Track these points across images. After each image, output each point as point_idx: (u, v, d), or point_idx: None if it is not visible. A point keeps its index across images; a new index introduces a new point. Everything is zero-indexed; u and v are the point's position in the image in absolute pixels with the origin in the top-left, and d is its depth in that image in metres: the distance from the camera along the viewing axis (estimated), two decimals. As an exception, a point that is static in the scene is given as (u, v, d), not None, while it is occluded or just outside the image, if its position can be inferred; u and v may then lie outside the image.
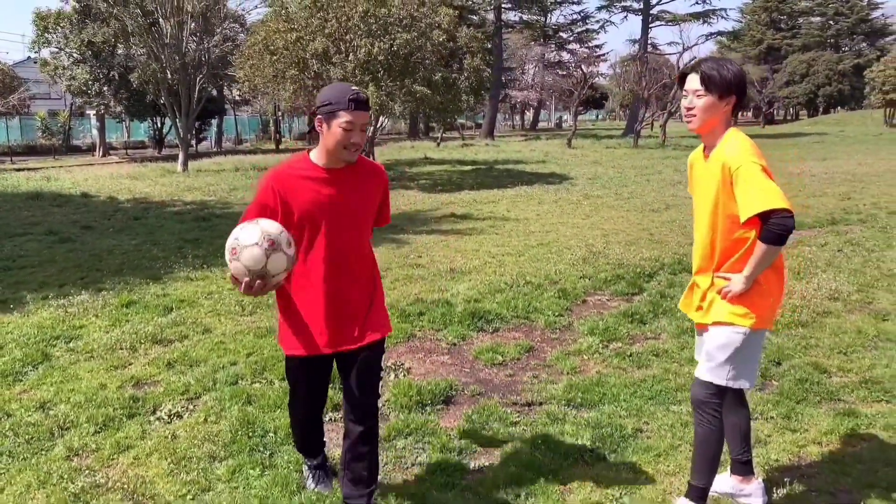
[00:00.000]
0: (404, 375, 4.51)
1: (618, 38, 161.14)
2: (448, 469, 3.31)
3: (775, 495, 3.05)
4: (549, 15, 54.82)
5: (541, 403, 4.08)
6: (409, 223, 10.68)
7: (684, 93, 2.79)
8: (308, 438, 3.14)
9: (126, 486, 3.20)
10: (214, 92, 35.85)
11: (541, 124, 69.53)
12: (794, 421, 3.76)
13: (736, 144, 2.74)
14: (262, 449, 3.50)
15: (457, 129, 43.23)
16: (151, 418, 3.92)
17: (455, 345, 5.11)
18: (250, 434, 3.63)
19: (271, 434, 3.64)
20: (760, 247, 2.66)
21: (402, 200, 13.75)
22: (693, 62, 2.85)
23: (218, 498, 3.10)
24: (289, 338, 2.83)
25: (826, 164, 19.82)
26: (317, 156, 2.73)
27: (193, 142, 34.20)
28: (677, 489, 3.09)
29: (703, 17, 47.75)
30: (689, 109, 2.78)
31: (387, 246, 8.73)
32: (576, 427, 3.69)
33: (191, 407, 4.05)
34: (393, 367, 4.63)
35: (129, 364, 4.73)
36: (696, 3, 48.35)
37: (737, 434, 2.96)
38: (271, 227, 2.53)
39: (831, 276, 6.68)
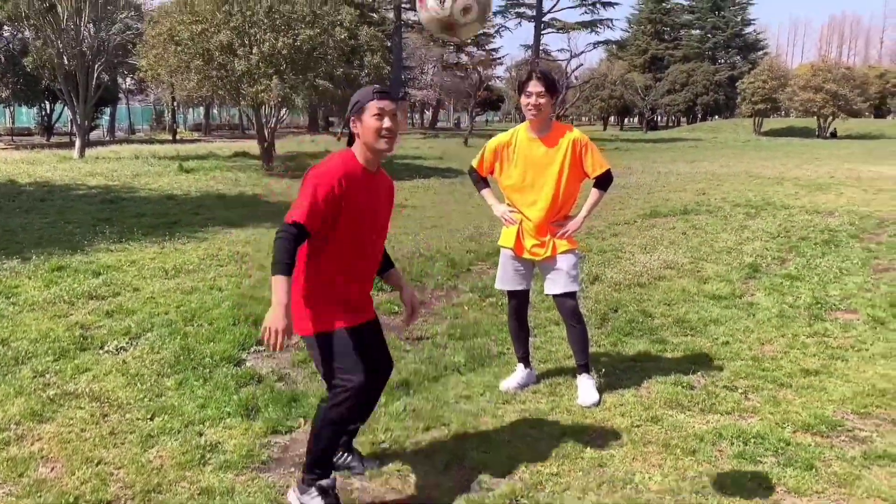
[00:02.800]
0: (315, 320, 5.39)
1: (513, 42, 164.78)
2: (354, 378, 4.25)
3: (600, 384, 4.14)
4: (448, 16, 56.14)
5: (428, 338, 5.08)
6: (312, 208, 11.46)
7: (528, 93, 3.85)
8: (359, 413, 3.10)
9: (92, 393, 3.97)
10: (107, 79, 35.09)
11: (440, 124, 70.95)
12: (619, 347, 4.93)
13: (573, 129, 4.01)
14: (202, 368, 4.33)
15: (356, 124, 43.84)
16: (101, 351, 4.65)
17: (357, 300, 6.02)
18: (191, 358, 4.45)
19: (208, 359, 4.46)
20: (600, 193, 4.11)
21: (304, 189, 14.48)
22: (530, 70, 3.95)
23: (170, 400, 3.92)
24: (327, 314, 2.86)
25: (693, 165, 21.85)
26: (358, 155, 2.90)
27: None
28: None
29: (590, 26, 50.31)
30: (535, 105, 3.86)
31: (293, 226, 9.51)
32: (454, 351, 4.72)
33: (134, 343, 4.81)
34: (305, 315, 5.50)
35: (71, 314, 5.40)
36: (585, 12, 50.84)
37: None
38: None
39: (672, 251, 8.02)
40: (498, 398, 4.05)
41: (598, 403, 3.97)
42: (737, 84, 56.84)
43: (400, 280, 3.25)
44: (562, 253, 4.04)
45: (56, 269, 6.65)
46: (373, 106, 2.82)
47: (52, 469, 3.20)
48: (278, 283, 2.62)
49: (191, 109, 54.43)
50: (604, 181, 4.06)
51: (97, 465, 3.23)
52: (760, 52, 70.71)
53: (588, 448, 3.46)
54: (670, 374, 4.37)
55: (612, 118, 70.12)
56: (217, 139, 39.86)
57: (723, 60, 70.03)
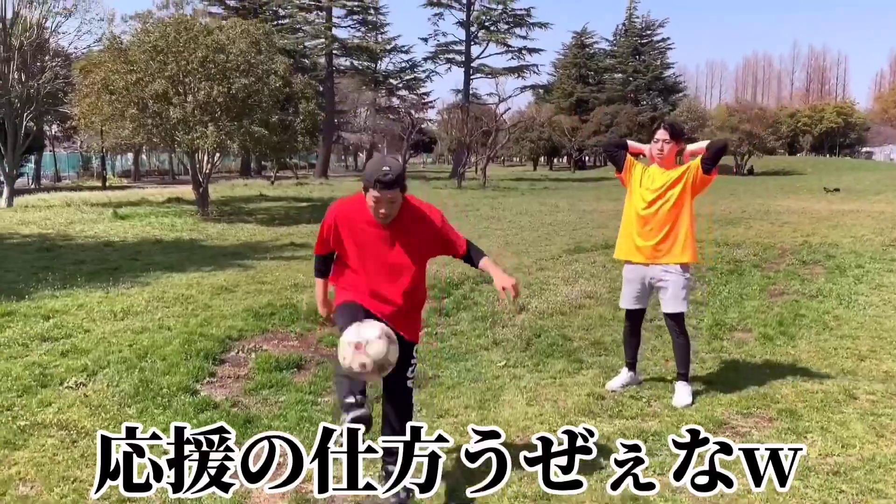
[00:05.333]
0: (263, 352, 5.80)
1: (445, 86, 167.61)
2: (303, 402, 4.70)
3: (527, 399, 4.67)
4: (379, 62, 57.39)
5: (368, 365, 5.54)
6: (251, 252, 11.82)
7: (656, 139, 4.77)
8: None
9: (59, 423, 4.30)
10: (35, 128, 34.59)
11: (373, 166, 71.54)
12: (541, 366, 5.51)
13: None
14: (161, 397, 4.70)
15: (291, 168, 44.17)
16: (61, 387, 4.95)
17: (301, 335, 6.46)
18: (150, 389, 4.82)
19: (166, 389, 4.83)
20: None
21: (241, 233, 14.82)
22: (660, 121, 4.81)
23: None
24: (339, 297, 3.49)
25: (616, 202, 22.88)
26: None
27: (10, 178, 32.65)
28: (449, 406, 4.67)
29: (517, 71, 52.26)
30: (660, 150, 4.75)
31: (234, 270, 9.88)
32: (393, 375, 5.19)
33: (92, 378, 5.13)
34: (253, 349, 5.91)
35: (26, 356, 5.66)
36: (512, 58, 52.72)
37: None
38: (382, 324, 3.13)
39: (592, 282, 8.71)
40: (433, 414, 4.55)
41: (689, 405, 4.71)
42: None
43: (489, 268, 3.57)
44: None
45: (4, 314, 6.86)
46: (372, 193, 3.24)
47: (32, 488, 3.54)
48: (316, 284, 3.72)
49: (119, 156, 53.78)
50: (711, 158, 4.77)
51: (73, 482, 3.59)
52: (680, 94, 74.10)
53: (511, 449, 3.98)
54: (584, 388, 4.96)
55: (541, 159, 72.15)
56: (147, 185, 39.55)
57: (645, 102, 73.07)
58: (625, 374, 5.09)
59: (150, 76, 16.52)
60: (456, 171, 41.27)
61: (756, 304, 7.57)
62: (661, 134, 4.80)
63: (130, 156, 49.97)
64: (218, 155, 20.78)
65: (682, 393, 4.76)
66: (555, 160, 75.12)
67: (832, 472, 3.72)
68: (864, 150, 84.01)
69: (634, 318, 5.11)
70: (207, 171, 19.44)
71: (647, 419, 4.47)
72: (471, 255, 3.60)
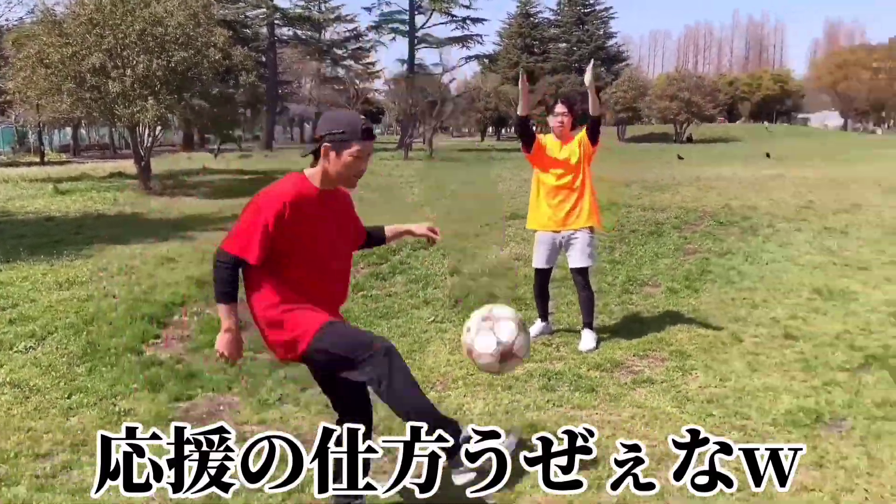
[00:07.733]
0: (206, 315, 6.15)
1: (391, 56, 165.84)
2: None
3: (444, 354, 5.15)
4: (323, 32, 56.76)
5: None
6: (196, 224, 12.03)
7: (556, 113, 5.21)
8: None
9: (11, 382, 4.62)
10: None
11: (319, 138, 71.03)
12: (466, 321, 5.97)
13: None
14: (108, 357, 5.05)
15: (235, 140, 43.68)
16: (11, 351, 5.25)
17: (243, 301, 6.80)
18: (97, 350, 5.15)
19: (113, 350, 5.17)
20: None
21: (184, 207, 14.95)
22: (558, 94, 5.18)
23: (83, 383, 4.62)
24: (306, 320, 2.80)
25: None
26: (314, 178, 2.86)
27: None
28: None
29: (461, 41, 52.34)
30: (560, 123, 5.17)
31: (177, 241, 10.11)
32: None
33: (42, 343, 5.42)
34: (196, 312, 6.25)
35: (-26, 324, 5.91)
36: (456, 28, 52.70)
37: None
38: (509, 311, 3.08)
39: (522, 245, 9.23)
40: (363, 364, 4.98)
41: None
42: (600, 94, 60.37)
43: (398, 229, 3.33)
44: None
45: (-51, 287, 7.05)
46: (357, 146, 2.77)
47: (-10, 436, 3.88)
48: (223, 311, 2.84)
49: (57, 130, 52.32)
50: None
51: (28, 431, 3.94)
52: (623, 64, 75.18)
53: (431, 391, 4.47)
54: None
55: (489, 129, 72.59)
56: (88, 160, 38.75)
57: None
58: (538, 325, 5.61)
59: (87, 49, 16.31)
60: (402, 142, 41.42)
61: (669, 262, 8.19)
62: (560, 108, 5.26)
63: (69, 130, 48.71)
64: (159, 128, 20.67)
65: (587, 338, 5.30)
66: (502, 130, 75.63)
67: (707, 400, 4.30)
68: (800, 116, 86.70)
69: (544, 276, 5.67)
70: (149, 144, 19.34)
71: (554, 361, 5.00)
72: (372, 235, 3.27)
